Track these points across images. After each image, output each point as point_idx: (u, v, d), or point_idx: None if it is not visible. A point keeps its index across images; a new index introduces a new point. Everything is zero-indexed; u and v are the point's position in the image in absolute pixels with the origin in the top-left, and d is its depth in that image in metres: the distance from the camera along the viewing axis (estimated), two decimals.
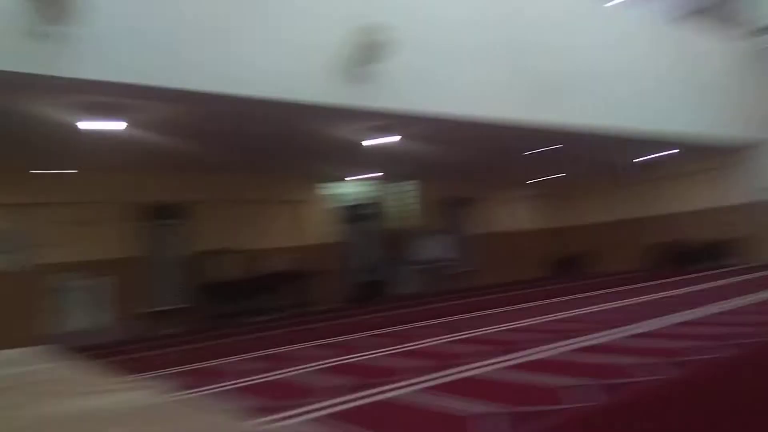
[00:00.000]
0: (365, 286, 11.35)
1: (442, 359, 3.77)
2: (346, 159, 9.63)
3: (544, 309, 6.37)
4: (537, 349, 3.86)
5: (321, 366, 3.99)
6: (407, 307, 8.65)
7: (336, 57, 5.74)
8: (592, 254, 13.68)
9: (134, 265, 8.72)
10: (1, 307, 7.30)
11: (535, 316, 5.76)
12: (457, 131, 7.84)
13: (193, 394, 3.34)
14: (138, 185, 8.90)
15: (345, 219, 11.57)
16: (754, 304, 5.18)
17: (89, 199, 8.52)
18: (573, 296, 7.60)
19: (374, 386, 3.13)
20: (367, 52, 5.72)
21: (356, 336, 5.55)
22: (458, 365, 3.55)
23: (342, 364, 4.04)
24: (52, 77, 4.47)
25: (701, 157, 11.31)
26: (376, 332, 5.70)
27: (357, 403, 2.82)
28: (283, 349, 5.18)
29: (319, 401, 2.90)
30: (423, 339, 4.83)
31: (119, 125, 5.94)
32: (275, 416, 2.69)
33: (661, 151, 10.84)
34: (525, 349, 3.90)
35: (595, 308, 6.00)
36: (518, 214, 14.81)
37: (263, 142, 7.93)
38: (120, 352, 6.19)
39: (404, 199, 12.63)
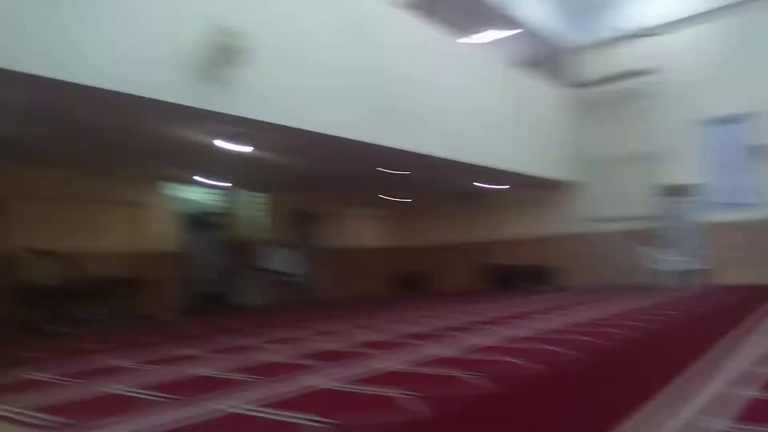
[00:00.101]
0: (206, 297, 10.84)
1: (266, 371, 3.69)
2: (194, 163, 9.18)
3: (382, 323, 6.54)
4: (370, 361, 3.93)
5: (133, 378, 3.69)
6: (240, 319, 8.40)
7: (188, 55, 5.45)
8: (434, 273, 14.46)
9: None
10: None
11: (371, 330, 5.88)
12: (310, 145, 7.84)
13: None
14: None
15: (189, 226, 10.99)
16: (573, 323, 5.78)
17: None
18: (412, 311, 7.92)
19: (196, 400, 2.96)
20: (223, 55, 5.52)
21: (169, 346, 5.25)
22: (289, 378, 3.49)
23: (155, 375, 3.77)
24: None
25: (532, 190, 12.51)
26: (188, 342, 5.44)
27: (181, 415, 2.64)
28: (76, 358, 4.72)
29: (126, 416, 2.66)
30: (245, 351, 4.70)
31: None
32: None
33: (500, 184, 11.81)
34: (359, 361, 3.95)
35: (428, 323, 6.29)
36: (367, 232, 15.20)
37: (97, 136, 7.24)
38: None
39: (254, 209, 12.33)
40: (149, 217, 10.29)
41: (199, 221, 11.27)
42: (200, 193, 11.31)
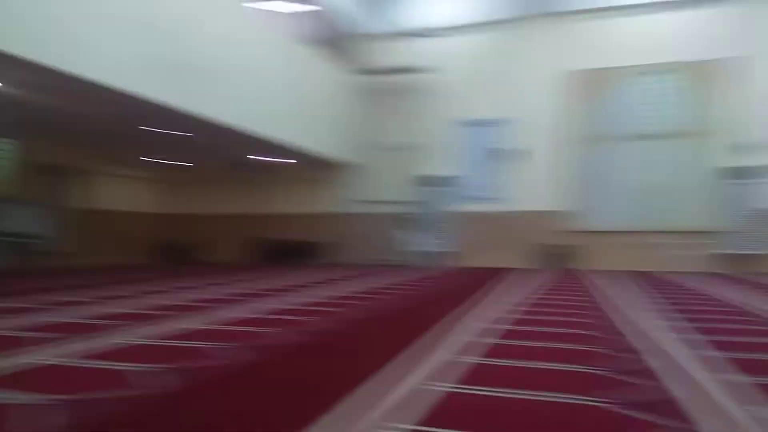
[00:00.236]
0: None
1: None
2: None
3: (131, 294, 6.04)
4: (105, 335, 3.57)
5: None
6: None
7: None
8: (204, 244, 13.84)
9: None
10: None
11: (116, 302, 5.38)
12: (74, 90, 6.82)
13: None
14: None
15: None
16: (337, 296, 5.99)
17: None
18: (169, 282, 7.45)
19: None
20: None
21: None
22: (10, 354, 2.98)
23: None
24: None
25: (309, 167, 12.71)
26: None
27: None
28: None
29: None
30: None
31: None
32: None
33: (279, 157, 11.73)
34: (91, 335, 3.55)
35: (184, 295, 5.98)
36: (131, 194, 13.91)
37: None
38: None
39: None
40: None
41: None
42: None
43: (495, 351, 3.35)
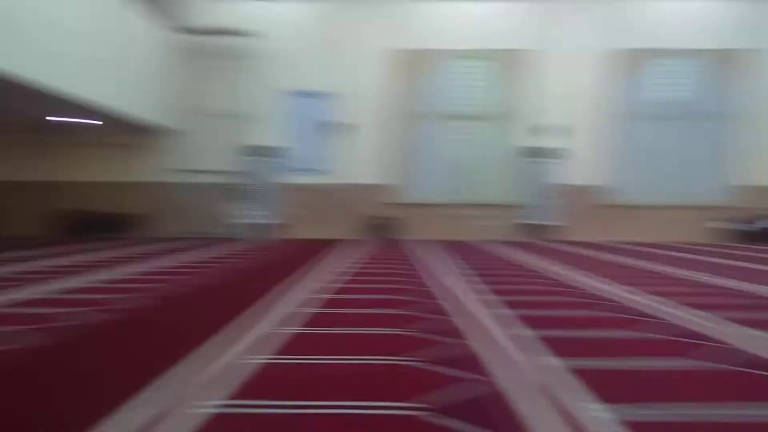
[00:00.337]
0: None
1: None
2: None
3: None
4: None
5: None
6: None
7: None
8: None
9: None
10: None
11: None
12: None
13: None
14: None
15: None
16: (151, 271, 5.56)
17: None
18: None
19: None
20: None
21: None
22: None
23: None
24: None
25: (120, 131, 11.58)
26: None
27: None
28: None
29: None
30: None
31: None
32: None
33: (84, 119, 10.50)
34: None
35: None
36: None
37: None
38: None
39: None
40: None
41: None
42: None
43: (316, 320, 3.39)
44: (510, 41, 12.45)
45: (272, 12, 12.38)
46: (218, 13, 12.29)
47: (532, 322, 3.31)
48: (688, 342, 2.88)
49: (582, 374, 2.29)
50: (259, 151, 12.24)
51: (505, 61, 12.48)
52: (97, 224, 11.80)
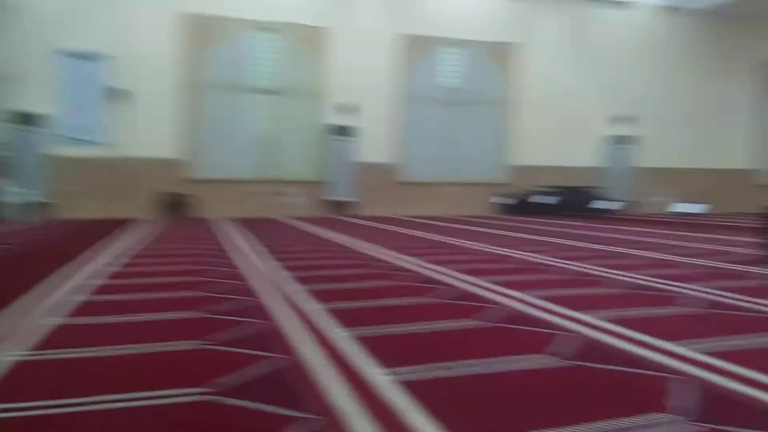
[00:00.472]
0: None
1: None
2: None
3: None
4: None
5: None
6: None
7: None
8: None
9: None
10: None
11: None
12: None
13: None
14: None
15: None
16: None
17: None
18: None
19: None
20: None
21: None
22: None
23: None
24: None
25: None
26: None
27: None
28: None
29: None
30: None
31: None
32: None
33: None
34: None
35: None
36: None
37: None
38: None
39: None
40: None
41: None
42: None
43: (90, 308, 2.99)
44: (305, 17, 12.38)
45: None
46: None
47: (326, 296, 3.33)
48: (469, 305, 3.14)
49: (368, 342, 2.35)
50: (22, 119, 10.54)
51: (301, 37, 12.40)
52: None
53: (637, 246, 6.28)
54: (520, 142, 13.79)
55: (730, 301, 3.27)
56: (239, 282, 3.78)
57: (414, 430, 1.53)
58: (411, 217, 12.15)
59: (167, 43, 11.48)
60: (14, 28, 10.55)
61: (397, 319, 2.74)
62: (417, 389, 1.81)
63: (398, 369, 1.99)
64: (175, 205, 11.33)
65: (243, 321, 2.70)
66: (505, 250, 5.85)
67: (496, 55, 13.67)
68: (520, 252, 5.65)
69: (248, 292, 3.45)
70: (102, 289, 3.50)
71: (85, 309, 2.95)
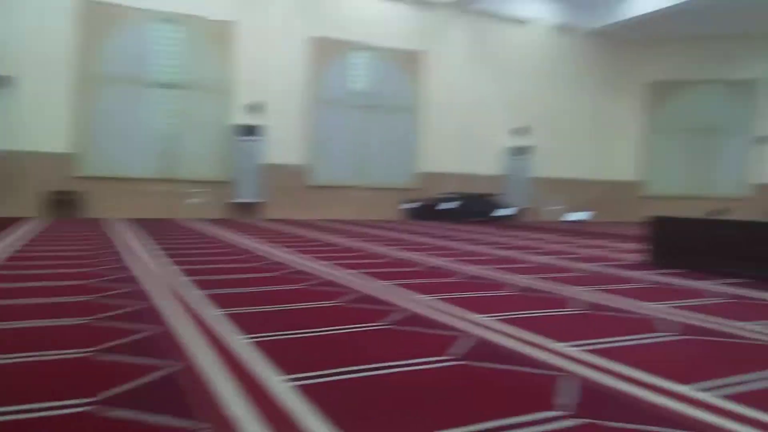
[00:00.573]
0: None
1: None
2: None
3: None
4: None
5: None
6: None
7: None
8: None
9: None
10: None
11: None
12: None
13: None
14: None
15: None
16: None
17: None
18: None
19: None
20: None
21: None
22: None
23: None
24: None
25: None
26: None
27: None
28: None
29: None
30: None
31: None
32: None
33: None
34: None
35: None
36: None
37: None
38: None
39: None
40: None
41: None
42: None
43: None
44: (211, 10, 11.97)
45: None
46: None
47: (225, 301, 3.22)
48: (372, 308, 3.15)
49: (267, 347, 2.29)
50: None
51: (206, 30, 12.00)
52: None
53: (532, 251, 6.62)
54: (428, 149, 14.13)
55: (615, 303, 3.51)
56: (132, 286, 3.57)
57: None
58: (319, 220, 12.07)
59: (59, 30, 10.69)
60: None
61: (298, 324, 2.70)
62: (315, 394, 1.78)
63: (297, 374, 1.96)
64: (64, 204, 10.55)
65: (135, 327, 2.55)
66: (410, 254, 5.95)
67: (405, 62, 13.93)
68: (424, 256, 5.77)
69: (142, 296, 3.26)
70: None
71: None
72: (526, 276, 4.53)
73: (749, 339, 2.69)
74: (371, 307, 3.15)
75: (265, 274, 4.29)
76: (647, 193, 16.42)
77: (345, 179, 13.35)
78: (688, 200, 15.07)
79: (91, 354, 2.14)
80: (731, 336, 2.75)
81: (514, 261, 5.61)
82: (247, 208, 12.27)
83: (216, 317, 2.78)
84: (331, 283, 3.91)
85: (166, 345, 2.30)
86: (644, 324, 2.96)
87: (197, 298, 3.26)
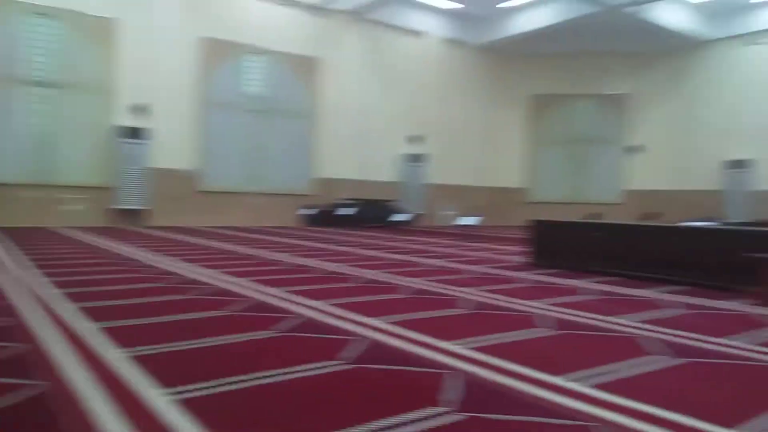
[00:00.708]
0: None
1: None
2: None
3: None
4: None
5: None
6: None
7: None
8: None
9: None
10: None
11: None
12: None
13: None
14: None
15: None
16: None
17: None
18: None
19: None
20: None
21: None
22: None
23: None
24: None
25: None
26: None
27: None
28: None
29: None
30: None
31: None
32: None
33: None
34: None
35: None
36: None
37: None
38: None
39: None
40: None
41: None
42: None
43: None
44: (90, 5, 11.17)
45: None
46: None
47: (102, 314, 3.02)
48: (265, 316, 3.08)
49: (147, 361, 2.18)
50: None
51: (85, 26, 11.19)
52: None
53: (426, 255, 6.80)
54: (325, 155, 14.10)
55: (500, 302, 3.69)
56: None
57: None
58: (211, 227, 11.64)
59: None
60: None
61: (185, 336, 2.58)
62: (199, 407, 1.71)
63: (181, 387, 1.87)
64: None
65: (0, 345, 2.31)
66: (306, 260, 5.90)
67: (301, 67, 13.84)
68: (320, 262, 5.74)
69: (8, 311, 2.97)
70: None
71: None
72: (419, 279, 4.65)
73: (617, 332, 2.94)
74: (264, 315, 3.08)
75: (150, 284, 4.06)
76: (531, 199, 17.45)
77: (239, 184, 12.98)
78: (568, 206, 16.18)
79: None
80: (601, 330, 2.98)
81: (408, 264, 5.73)
82: (131, 215, 11.56)
83: (91, 331, 2.59)
84: (221, 292, 3.78)
85: (37, 362, 2.11)
86: (525, 321, 3.14)
87: (70, 311, 3.02)
